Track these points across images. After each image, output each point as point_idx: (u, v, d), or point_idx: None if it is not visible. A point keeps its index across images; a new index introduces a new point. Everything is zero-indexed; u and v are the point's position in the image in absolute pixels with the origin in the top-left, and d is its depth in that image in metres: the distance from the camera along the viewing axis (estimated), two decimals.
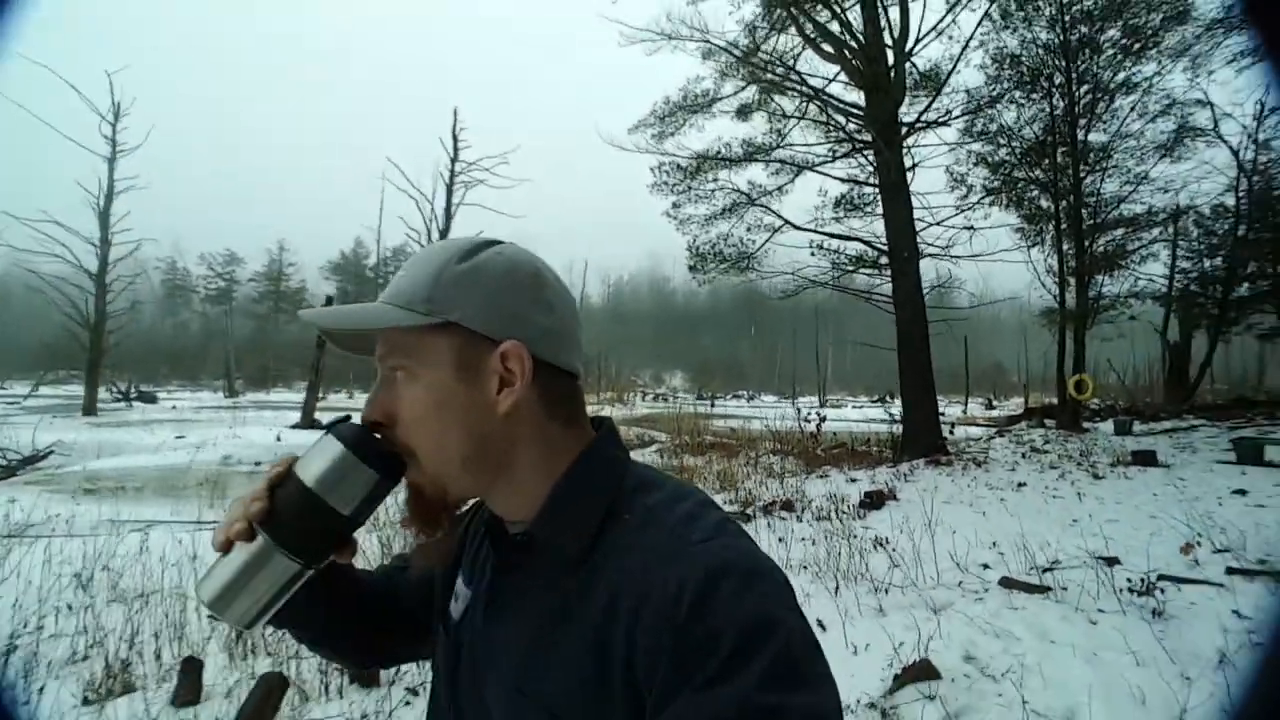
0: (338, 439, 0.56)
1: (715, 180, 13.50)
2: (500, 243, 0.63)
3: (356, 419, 0.60)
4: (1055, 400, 16.71)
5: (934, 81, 12.80)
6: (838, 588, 4.10)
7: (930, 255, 12.48)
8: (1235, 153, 16.39)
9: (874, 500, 6.86)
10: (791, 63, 12.63)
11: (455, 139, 23.88)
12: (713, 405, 34.58)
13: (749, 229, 13.30)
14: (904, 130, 11.88)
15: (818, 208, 13.51)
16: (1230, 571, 4.07)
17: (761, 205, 13.18)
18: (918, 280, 11.74)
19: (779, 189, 13.51)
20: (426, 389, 0.58)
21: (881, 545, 4.97)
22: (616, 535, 0.56)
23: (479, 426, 0.58)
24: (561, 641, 0.55)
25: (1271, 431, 10.46)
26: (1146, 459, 8.91)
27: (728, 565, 0.50)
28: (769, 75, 12.42)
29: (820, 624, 3.44)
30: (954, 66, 12.49)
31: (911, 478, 8.65)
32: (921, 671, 2.85)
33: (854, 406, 34.79)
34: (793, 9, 11.84)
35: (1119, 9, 13.14)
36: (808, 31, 11.97)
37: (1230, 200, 16.92)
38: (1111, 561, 4.36)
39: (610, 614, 0.52)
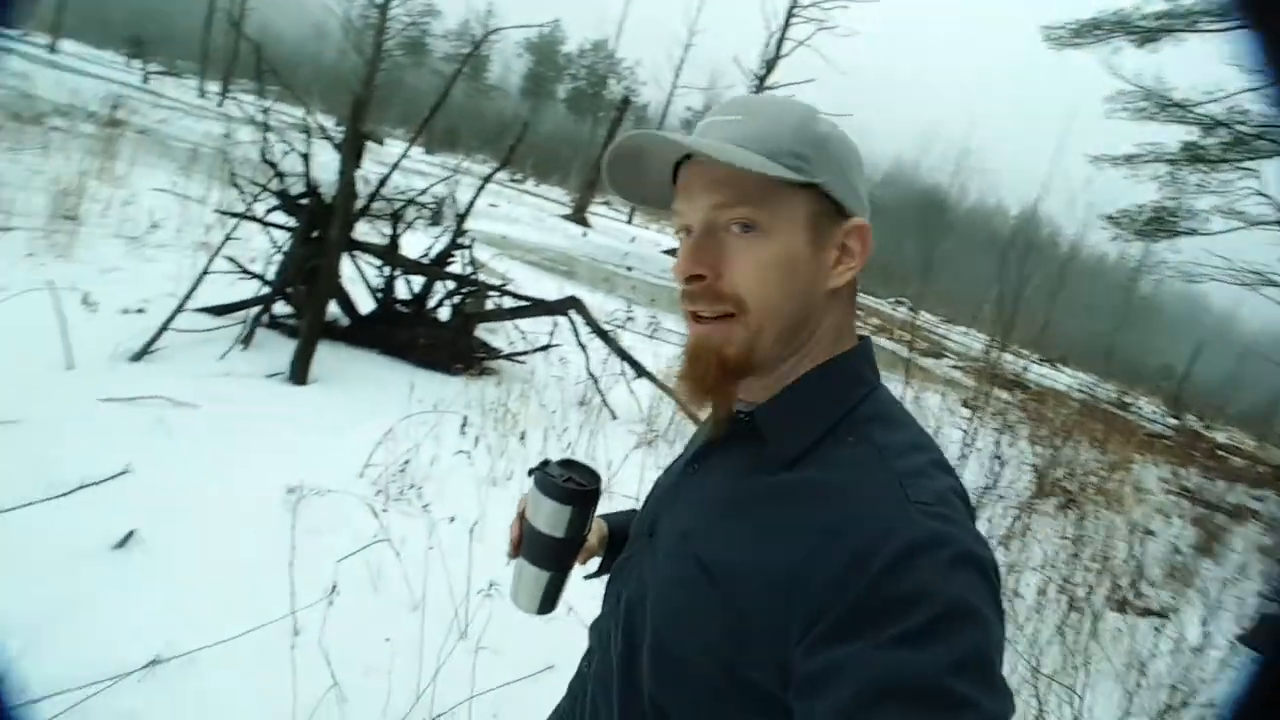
0: (540, 489, 0.71)
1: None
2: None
3: (554, 457, 0.73)
4: None
5: None
6: None
7: None
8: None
9: None
10: None
11: None
12: None
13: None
14: None
15: None
16: None
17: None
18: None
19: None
20: (779, 248, 0.54)
21: None
22: (833, 454, 0.53)
23: (810, 296, 0.56)
24: (739, 521, 0.54)
25: None
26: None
27: (940, 539, 0.45)
28: None
29: None
30: None
31: None
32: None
33: None
34: None
35: None
36: None
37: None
38: None
39: (799, 529, 0.49)
